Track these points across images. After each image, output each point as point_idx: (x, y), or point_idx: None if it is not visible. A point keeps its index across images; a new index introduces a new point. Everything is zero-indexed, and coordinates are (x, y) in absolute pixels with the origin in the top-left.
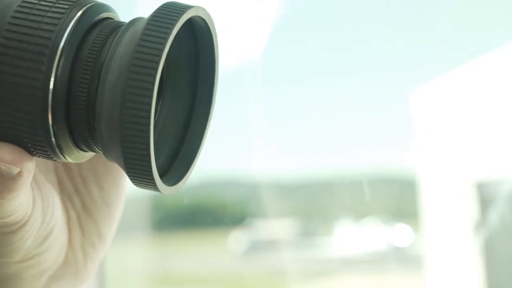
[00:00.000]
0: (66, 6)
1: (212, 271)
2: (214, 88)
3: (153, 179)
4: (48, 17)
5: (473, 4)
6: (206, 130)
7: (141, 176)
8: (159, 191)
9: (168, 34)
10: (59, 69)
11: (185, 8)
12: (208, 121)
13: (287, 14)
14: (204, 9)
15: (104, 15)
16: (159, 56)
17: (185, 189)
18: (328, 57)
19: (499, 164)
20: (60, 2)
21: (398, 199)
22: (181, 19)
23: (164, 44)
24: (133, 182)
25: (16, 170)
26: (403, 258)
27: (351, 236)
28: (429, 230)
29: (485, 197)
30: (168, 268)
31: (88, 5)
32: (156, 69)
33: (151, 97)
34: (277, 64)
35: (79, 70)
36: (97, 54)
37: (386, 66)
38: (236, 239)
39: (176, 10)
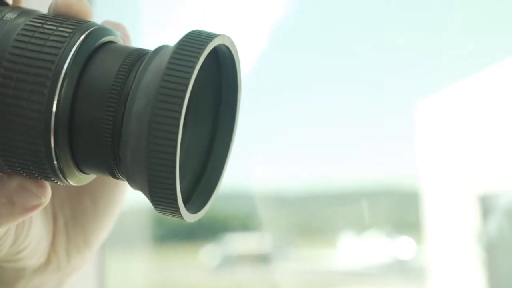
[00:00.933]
0: (69, 30)
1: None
2: (236, 116)
3: (177, 208)
4: (52, 40)
5: (482, 14)
6: (228, 157)
7: (165, 204)
8: (183, 219)
9: (195, 63)
10: (62, 93)
11: (211, 37)
12: (230, 148)
13: (290, 21)
14: (229, 38)
15: (106, 38)
16: (186, 85)
17: None
18: (330, 66)
19: (502, 176)
20: (62, 26)
21: (400, 211)
22: (207, 48)
23: (190, 73)
24: (157, 209)
25: (41, 198)
26: (405, 270)
27: (353, 249)
28: (432, 242)
29: (488, 210)
30: (168, 279)
31: (91, 29)
32: (183, 98)
33: (177, 126)
34: (278, 74)
35: (92, 95)
36: (123, 82)
37: (389, 77)
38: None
39: (202, 39)
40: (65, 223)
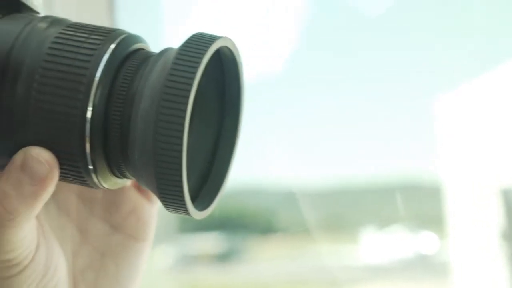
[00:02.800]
0: (100, 39)
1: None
2: (240, 116)
3: (185, 205)
4: (84, 48)
5: (500, 9)
6: (233, 156)
7: (173, 201)
8: (191, 216)
9: (199, 63)
10: (96, 100)
11: (214, 38)
12: (235, 147)
13: (310, 22)
14: (231, 40)
15: (136, 46)
16: (191, 85)
17: None
18: (351, 65)
19: None
20: (93, 34)
21: (423, 206)
22: (210, 48)
23: (195, 73)
24: (165, 207)
25: (48, 169)
26: (428, 266)
27: (376, 244)
28: (455, 237)
29: (511, 204)
30: (195, 277)
31: (121, 37)
32: (188, 97)
33: (183, 124)
34: (299, 72)
35: (113, 99)
36: (129, 83)
37: (412, 72)
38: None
39: (206, 40)
40: None
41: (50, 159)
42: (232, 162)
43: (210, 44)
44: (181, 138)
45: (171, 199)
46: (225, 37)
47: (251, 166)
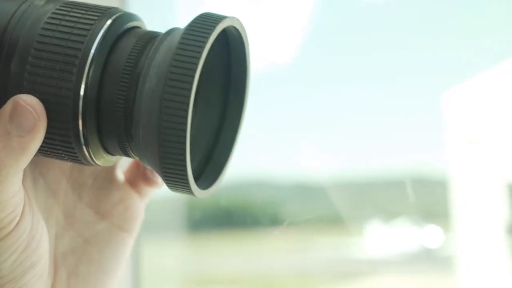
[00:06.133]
0: (95, 17)
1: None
2: (246, 97)
3: (188, 183)
4: (78, 28)
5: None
6: (237, 137)
7: (177, 180)
8: (193, 195)
9: (205, 42)
10: (90, 77)
11: (221, 18)
12: (239, 128)
13: (320, 17)
14: (238, 20)
15: (131, 24)
16: (196, 64)
17: (221, 189)
18: (361, 61)
19: None
20: (89, 12)
21: (428, 200)
22: (217, 28)
23: (201, 52)
24: (168, 185)
25: (35, 119)
26: (434, 259)
27: (381, 237)
28: (460, 231)
29: None
30: (204, 269)
31: (117, 15)
32: (194, 76)
33: (188, 103)
34: (309, 66)
35: (112, 77)
36: (135, 62)
37: (419, 67)
38: None
39: (212, 20)
40: (67, 276)
41: (38, 107)
42: (236, 143)
43: (217, 24)
44: (186, 116)
45: (174, 177)
46: (232, 17)
47: (258, 158)
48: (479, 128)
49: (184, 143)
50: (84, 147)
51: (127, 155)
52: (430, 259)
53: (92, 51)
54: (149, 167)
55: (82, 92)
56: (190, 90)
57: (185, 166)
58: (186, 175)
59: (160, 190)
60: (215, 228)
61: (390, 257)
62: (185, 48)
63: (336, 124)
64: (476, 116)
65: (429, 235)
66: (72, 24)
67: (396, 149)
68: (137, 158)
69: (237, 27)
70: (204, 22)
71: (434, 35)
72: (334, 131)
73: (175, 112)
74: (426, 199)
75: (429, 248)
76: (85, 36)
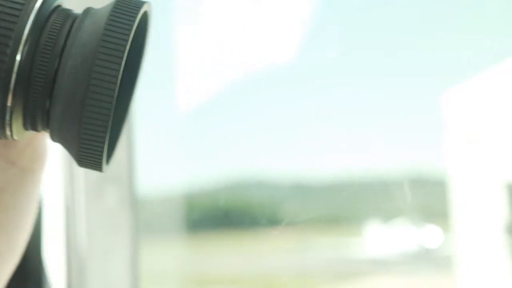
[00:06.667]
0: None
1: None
2: (137, 79)
3: (101, 160)
4: (9, 7)
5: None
6: (126, 119)
7: (91, 155)
8: (101, 171)
9: (131, 26)
10: (23, 55)
11: (141, 3)
12: (129, 108)
13: (320, 17)
14: (150, 5)
15: (57, 2)
16: (124, 46)
17: (219, 189)
18: (361, 60)
19: None
20: None
21: (428, 200)
22: (140, 11)
23: (128, 35)
24: (79, 161)
25: None
26: (432, 259)
27: (380, 237)
28: (460, 231)
29: None
30: (202, 269)
31: None
32: (121, 58)
33: (115, 83)
34: (309, 65)
35: (38, 55)
36: (55, 40)
37: (419, 67)
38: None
39: (135, 4)
40: None
41: None
42: (124, 125)
43: (140, 7)
44: (112, 96)
45: (90, 153)
46: (148, 2)
47: (257, 158)
48: (479, 128)
49: (107, 122)
50: (7, 121)
51: (35, 128)
52: (430, 259)
53: (26, 31)
54: (57, 142)
55: (16, 69)
56: (117, 71)
57: (103, 143)
58: (102, 151)
59: (160, 191)
60: (214, 228)
61: (390, 257)
62: (113, 30)
63: (336, 124)
64: (476, 116)
65: (429, 235)
66: (3, 3)
67: (395, 149)
68: (46, 131)
69: (148, 12)
70: (128, 5)
71: (434, 35)
72: (333, 131)
73: (102, 91)
74: (425, 199)
75: (429, 248)
76: (18, 16)
